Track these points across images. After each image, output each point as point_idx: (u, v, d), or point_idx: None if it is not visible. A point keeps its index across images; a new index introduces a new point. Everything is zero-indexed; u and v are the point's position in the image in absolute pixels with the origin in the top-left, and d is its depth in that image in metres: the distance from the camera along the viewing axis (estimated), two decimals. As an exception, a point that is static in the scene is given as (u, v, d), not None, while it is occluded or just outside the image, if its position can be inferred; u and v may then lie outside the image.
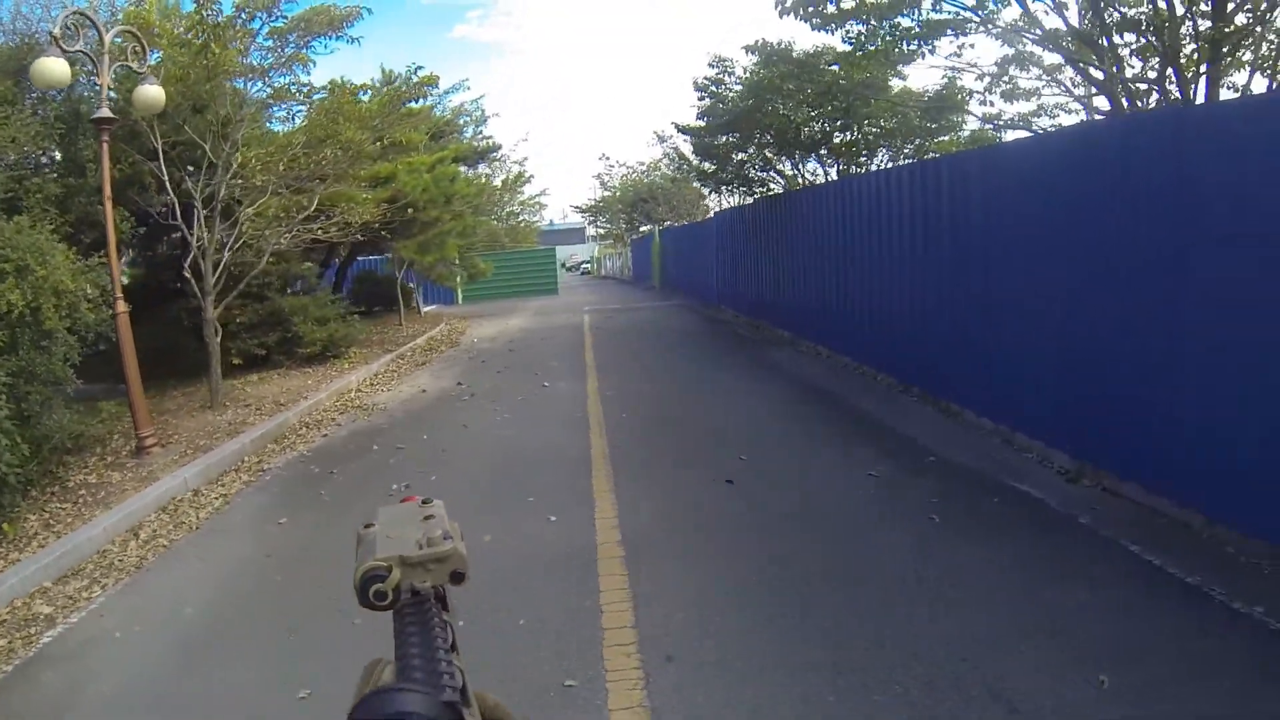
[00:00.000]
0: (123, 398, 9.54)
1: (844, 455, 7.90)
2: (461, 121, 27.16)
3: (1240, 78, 9.93)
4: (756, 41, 14.93)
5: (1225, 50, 8.64)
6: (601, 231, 63.85)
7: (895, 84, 15.37)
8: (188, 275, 11.12)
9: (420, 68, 17.13)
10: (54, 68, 8.02)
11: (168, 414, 11.08)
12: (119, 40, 9.74)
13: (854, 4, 10.66)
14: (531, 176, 44.66)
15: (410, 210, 17.70)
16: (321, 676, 4.21)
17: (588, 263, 79.16)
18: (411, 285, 25.60)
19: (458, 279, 29.37)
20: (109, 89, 9.16)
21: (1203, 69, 8.89)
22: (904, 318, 10.83)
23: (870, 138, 15.99)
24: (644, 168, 46.99)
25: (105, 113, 8.79)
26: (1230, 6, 8.26)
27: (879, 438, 8.50)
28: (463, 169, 24.03)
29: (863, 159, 16.48)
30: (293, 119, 14.21)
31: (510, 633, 4.62)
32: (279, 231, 12.78)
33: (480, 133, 29.55)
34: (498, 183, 33.70)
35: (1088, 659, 3.95)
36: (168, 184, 10.84)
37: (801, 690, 3.89)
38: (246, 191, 11.91)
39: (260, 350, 14.59)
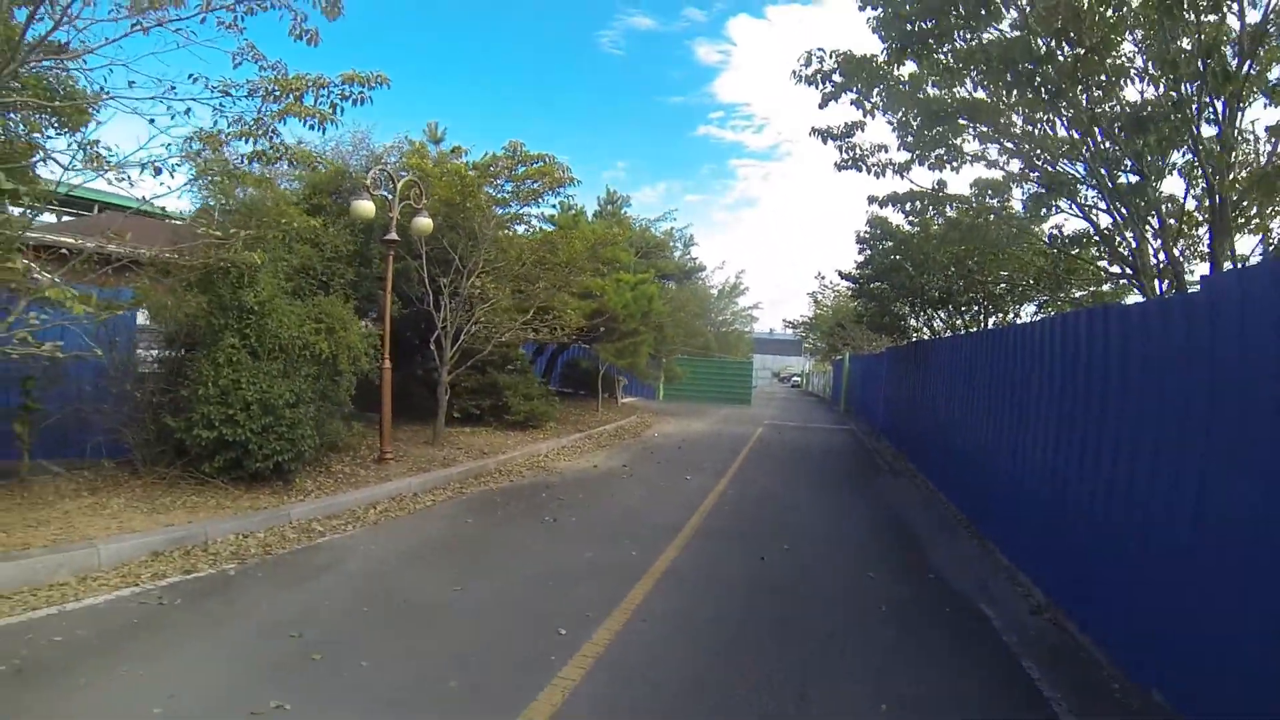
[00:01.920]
0: (369, 422, 13.38)
1: (860, 562, 9.64)
2: (671, 243, 31.01)
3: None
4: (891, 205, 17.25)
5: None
6: (811, 347, 64.68)
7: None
8: (432, 347, 15.23)
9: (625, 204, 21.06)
10: (365, 207, 12.05)
11: (399, 441, 14.84)
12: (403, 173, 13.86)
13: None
14: (746, 288, 47.69)
15: (612, 321, 21.45)
16: (468, 586, 7.60)
17: (798, 376, 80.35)
18: (618, 377, 28.95)
19: (661, 380, 32.80)
20: (394, 217, 13.14)
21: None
22: (970, 461, 12.13)
23: (982, 299, 18.24)
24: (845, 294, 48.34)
25: (393, 236, 12.77)
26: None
27: (906, 554, 10.28)
28: (669, 283, 27.30)
29: (975, 316, 18.84)
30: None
31: (565, 589, 7.92)
32: (504, 327, 16.72)
33: (688, 253, 33.47)
34: (714, 291, 37.48)
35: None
36: (425, 280, 14.97)
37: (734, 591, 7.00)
38: (482, 293, 15.97)
39: (476, 410, 18.54)
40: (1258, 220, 11.08)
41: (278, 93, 8.56)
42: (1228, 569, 4.77)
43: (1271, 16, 9.15)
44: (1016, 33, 10.55)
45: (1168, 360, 5.81)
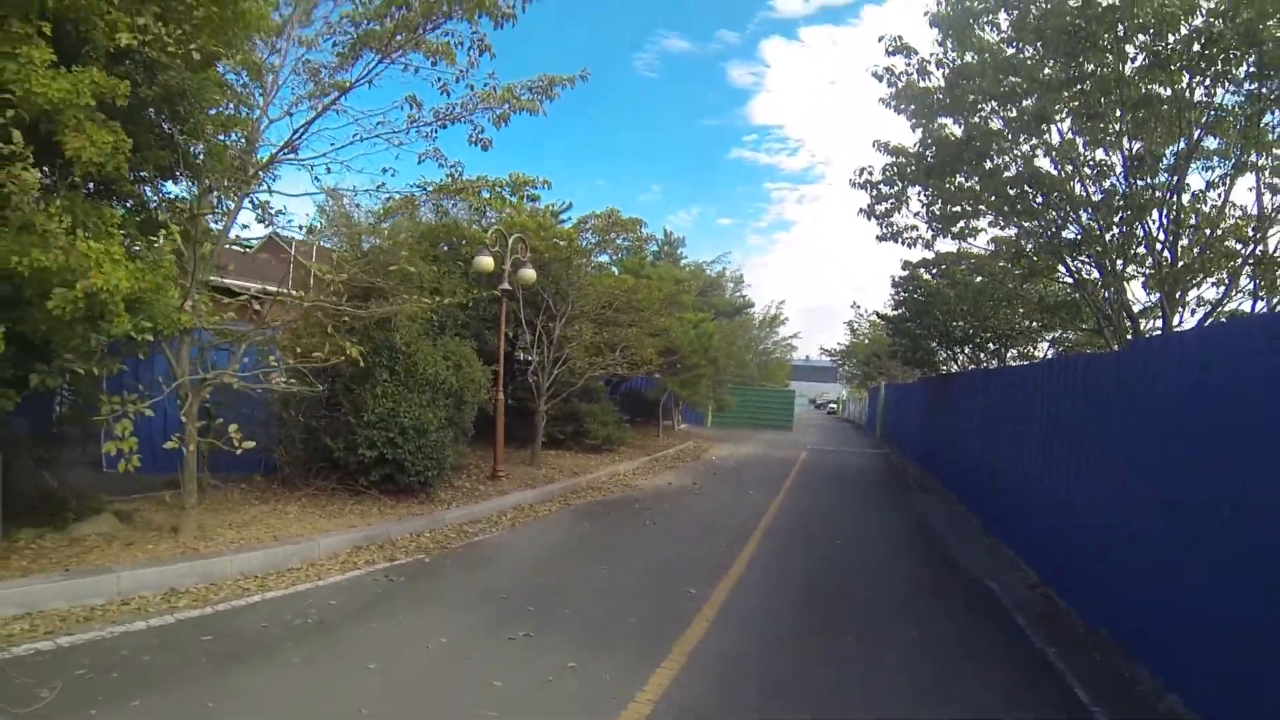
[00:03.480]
0: (476, 444, 15.05)
1: (896, 553, 11.87)
2: (723, 282, 32.87)
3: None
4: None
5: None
6: (848, 375, 65.16)
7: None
8: (530, 379, 16.98)
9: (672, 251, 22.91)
10: (486, 262, 13.83)
11: (503, 463, 16.57)
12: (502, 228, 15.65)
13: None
14: (786, 319, 49.08)
15: (677, 356, 23.22)
16: (609, 568, 9.40)
17: (834, 403, 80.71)
18: (673, 405, 30.67)
19: (709, 407, 34.66)
20: (507, 269, 14.88)
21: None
22: (983, 477, 14.16)
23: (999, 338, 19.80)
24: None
25: (506, 286, 14.55)
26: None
27: (932, 549, 12.35)
28: (722, 319, 29.02)
29: (993, 352, 20.43)
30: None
31: (680, 569, 9.54)
32: (594, 363, 18.55)
33: (738, 291, 35.30)
34: (755, 320, 39.30)
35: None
36: (523, 322, 16.74)
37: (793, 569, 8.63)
38: (579, 332, 17.83)
39: (560, 435, 20.31)
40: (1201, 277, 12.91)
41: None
42: (1146, 551, 6.79)
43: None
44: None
45: (1108, 398, 8.04)
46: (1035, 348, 19.28)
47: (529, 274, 15.00)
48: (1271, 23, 9.49)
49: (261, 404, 11.74)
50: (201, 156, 8.43)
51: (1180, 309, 12.28)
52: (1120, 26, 10.45)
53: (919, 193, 15.40)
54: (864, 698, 5.99)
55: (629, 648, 6.71)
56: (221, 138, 8.83)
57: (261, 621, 6.71)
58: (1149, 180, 11.82)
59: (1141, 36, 10.65)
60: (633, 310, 19.61)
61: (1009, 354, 19.47)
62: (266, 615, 6.89)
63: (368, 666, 5.89)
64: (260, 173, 9.12)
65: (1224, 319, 12.04)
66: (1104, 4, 10.34)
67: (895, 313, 23.07)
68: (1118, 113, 11.42)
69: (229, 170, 8.67)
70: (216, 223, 9.25)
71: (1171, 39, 10.38)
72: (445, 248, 16.76)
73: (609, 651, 6.57)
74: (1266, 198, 11.61)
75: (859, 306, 60.95)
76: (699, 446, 27.71)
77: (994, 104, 12.52)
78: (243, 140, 9.12)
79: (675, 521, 13.28)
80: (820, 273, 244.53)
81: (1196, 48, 10.11)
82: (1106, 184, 12.43)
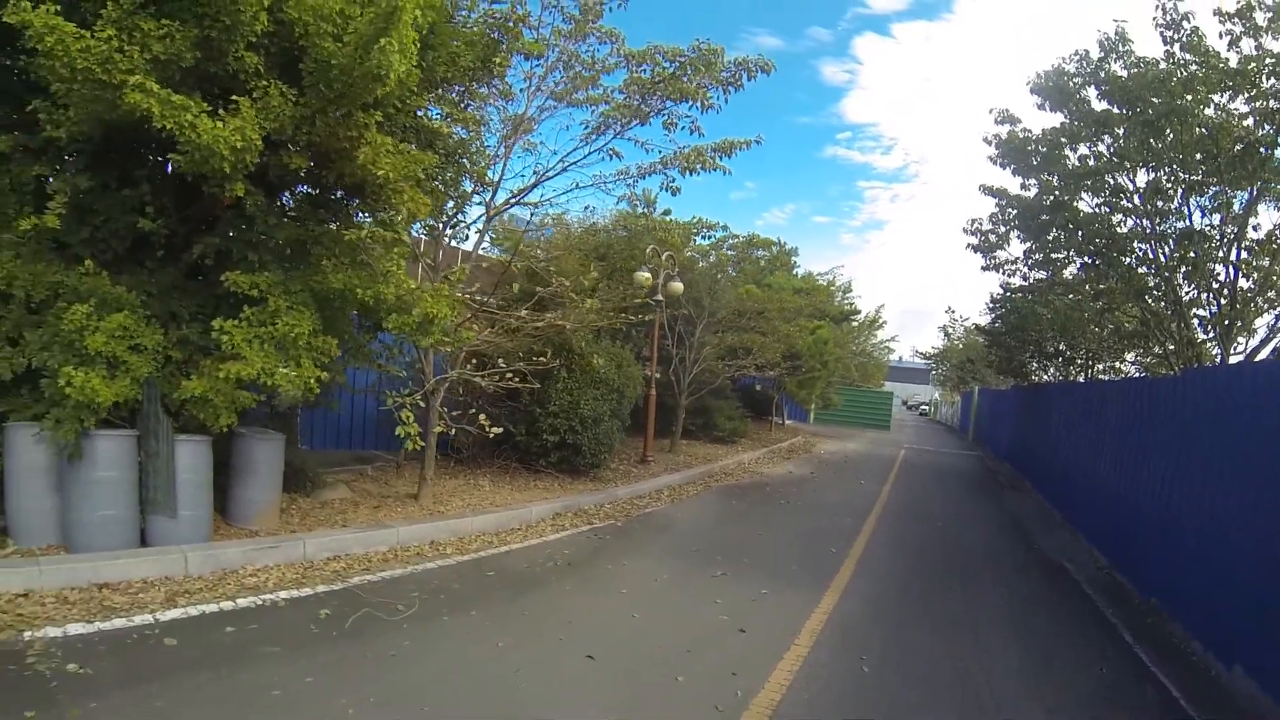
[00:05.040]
0: (627, 434, 16.70)
1: (989, 537, 13.27)
2: (832, 290, 34.10)
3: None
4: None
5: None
6: (941, 378, 64.87)
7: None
8: (673, 379, 18.60)
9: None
10: (645, 277, 15.41)
11: (651, 450, 18.22)
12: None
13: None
14: (885, 322, 49.76)
15: (796, 359, 24.71)
16: (764, 534, 10.94)
17: (927, 405, 79.97)
18: (781, 402, 32.09)
19: (814, 405, 35.97)
20: (660, 283, 16.48)
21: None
22: (1065, 476, 15.37)
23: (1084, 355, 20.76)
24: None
25: (659, 297, 16.11)
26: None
27: (1018, 535, 13.64)
28: (831, 323, 30.26)
29: (1081, 366, 21.36)
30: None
31: (820, 535, 11.02)
32: (723, 365, 20.12)
33: (845, 298, 36.50)
34: (855, 324, 40.42)
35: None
36: (668, 327, 18.37)
37: (921, 549, 10.08)
38: (720, 335, 19.46)
39: (691, 427, 21.79)
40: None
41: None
42: (1201, 542, 7.83)
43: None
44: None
45: (1171, 413, 9.22)
46: (1121, 362, 20.12)
47: (677, 286, 16.53)
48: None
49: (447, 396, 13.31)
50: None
51: (1239, 339, 13.34)
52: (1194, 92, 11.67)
53: (1018, 236, 16.87)
54: (974, 625, 7.80)
55: (800, 582, 8.82)
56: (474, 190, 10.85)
57: (522, 564, 8.44)
58: (1218, 224, 12.84)
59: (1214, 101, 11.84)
60: (759, 318, 21.09)
61: (1097, 368, 20.37)
62: (522, 560, 8.61)
63: (620, 591, 7.77)
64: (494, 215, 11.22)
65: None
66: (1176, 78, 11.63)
67: (992, 326, 24.11)
68: (1191, 157, 12.39)
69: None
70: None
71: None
72: (602, 262, 18.47)
73: (787, 584, 8.68)
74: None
75: (953, 311, 61.18)
76: (807, 441, 28.94)
77: (1084, 148, 13.79)
78: (489, 192, 11.06)
79: (805, 502, 14.85)
80: (914, 273, 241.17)
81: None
82: (1179, 225, 13.38)
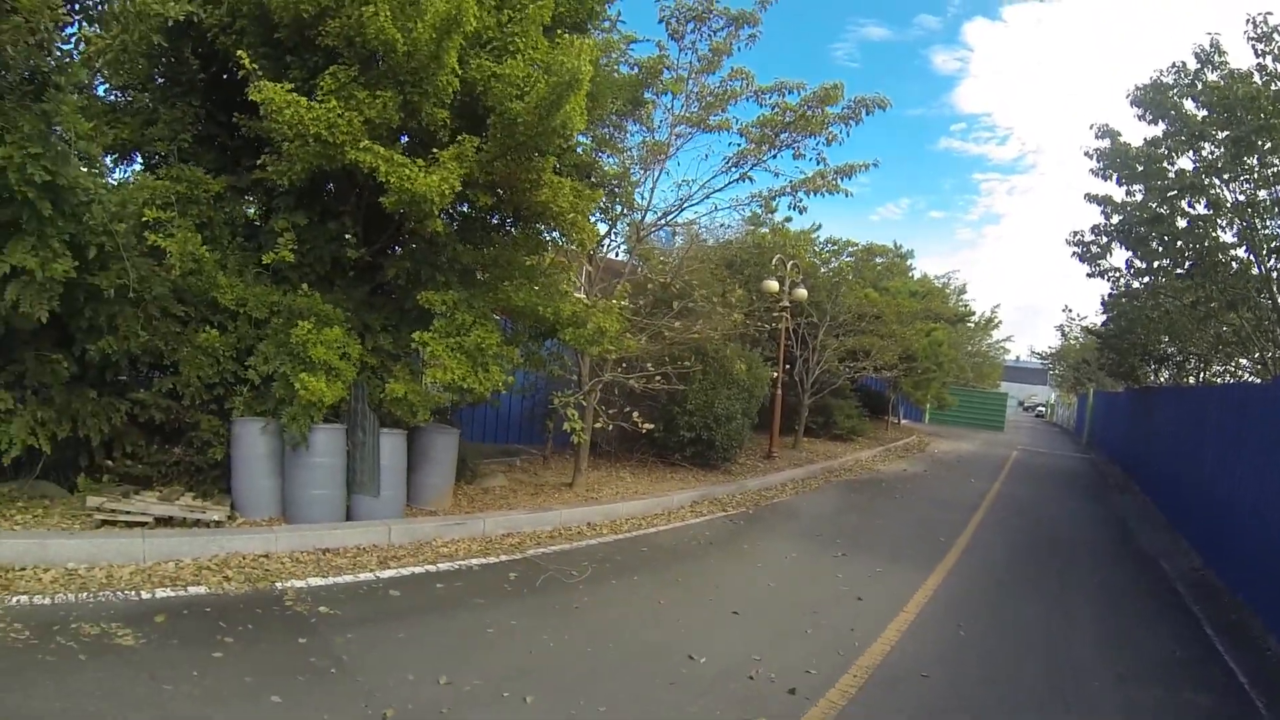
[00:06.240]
0: (754, 431, 17.43)
1: (1092, 534, 13.57)
2: (947, 291, 34.09)
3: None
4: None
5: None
6: (1058, 378, 62.67)
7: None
8: (796, 380, 19.29)
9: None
10: (773, 286, 16.13)
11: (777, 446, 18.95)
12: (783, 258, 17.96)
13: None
14: (1000, 322, 48.83)
15: (911, 360, 25.05)
16: (881, 521, 11.60)
17: (1044, 406, 77.18)
18: (897, 402, 32.29)
19: (929, 405, 35.95)
20: (785, 290, 17.18)
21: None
22: (1169, 480, 15.38)
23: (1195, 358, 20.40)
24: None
25: (785, 302, 16.79)
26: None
27: (1121, 534, 13.83)
28: (945, 324, 30.35)
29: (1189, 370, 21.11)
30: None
31: (930, 525, 11.60)
32: (843, 367, 20.74)
33: (960, 299, 36.36)
34: (970, 325, 40.13)
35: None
36: (793, 332, 19.06)
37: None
38: (840, 339, 20.11)
39: (812, 425, 22.28)
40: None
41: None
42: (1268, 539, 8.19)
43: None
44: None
45: (1263, 418, 9.27)
46: (1235, 367, 19.89)
47: (801, 293, 17.19)
48: None
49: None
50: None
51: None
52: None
53: (1120, 244, 16.89)
54: (1064, 605, 8.51)
55: (911, 564, 9.50)
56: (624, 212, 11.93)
57: (670, 542, 9.39)
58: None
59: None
60: (877, 321, 21.50)
61: (1208, 372, 20.11)
62: (670, 539, 9.56)
63: (756, 565, 8.73)
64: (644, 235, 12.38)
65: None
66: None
67: (1104, 328, 23.93)
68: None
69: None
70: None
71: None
72: (730, 270, 19.25)
73: (900, 564, 9.46)
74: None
75: (1069, 310, 59.31)
76: (922, 441, 28.96)
77: (1184, 160, 13.93)
78: (637, 214, 12.14)
79: (918, 496, 15.34)
80: (1031, 268, 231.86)
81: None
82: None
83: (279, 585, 6.23)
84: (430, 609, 6.21)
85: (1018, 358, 75.13)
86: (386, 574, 6.91)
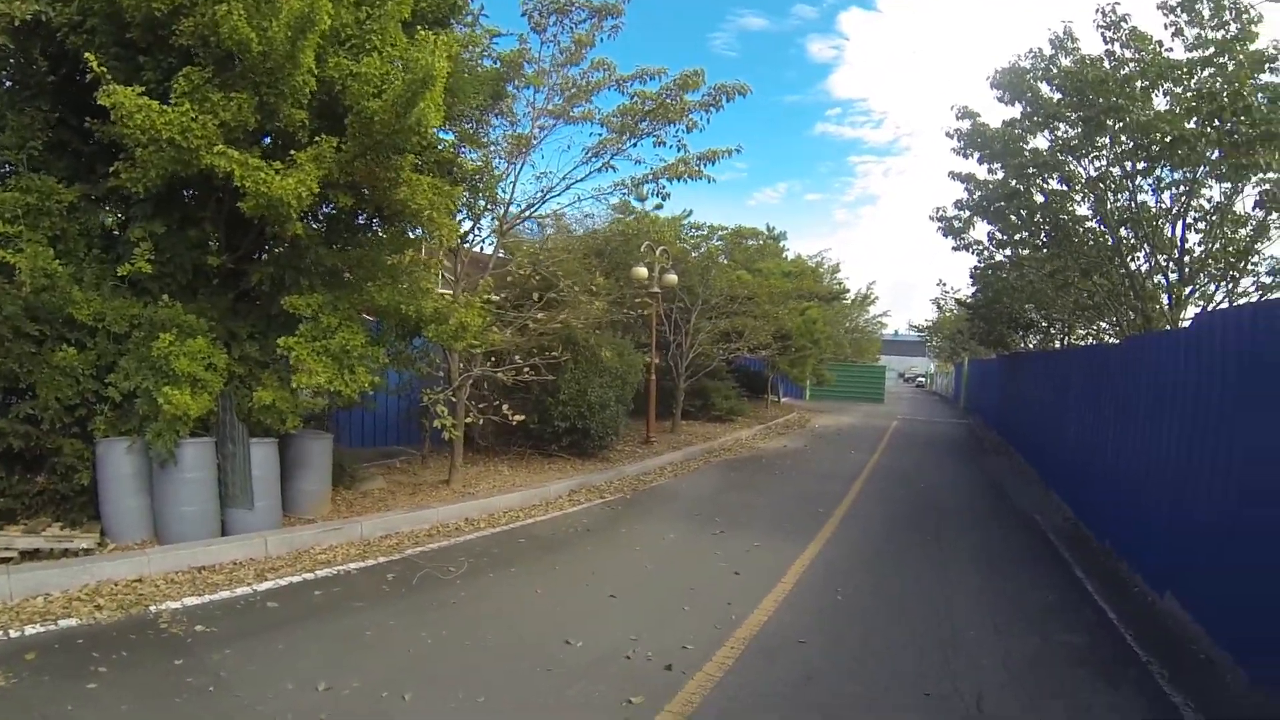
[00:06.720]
0: (631, 418, 17.91)
1: (969, 494, 14.63)
2: (821, 270, 35.36)
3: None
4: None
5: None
6: (936, 349, 65.10)
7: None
8: (670, 364, 19.84)
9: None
10: (642, 272, 16.58)
11: (654, 430, 19.42)
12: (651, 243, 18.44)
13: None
14: (876, 298, 51.04)
15: (787, 340, 25.94)
16: (761, 498, 12.15)
17: (923, 377, 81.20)
18: (776, 381, 33.32)
19: (809, 382, 37.29)
20: (655, 276, 17.66)
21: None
22: (1040, 439, 16.40)
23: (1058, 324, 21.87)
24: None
25: (655, 289, 17.27)
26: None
27: (997, 493, 14.95)
28: (820, 303, 31.46)
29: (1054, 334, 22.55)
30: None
31: (809, 498, 12.24)
32: (717, 349, 21.41)
33: (834, 278, 37.75)
34: (848, 301, 41.77)
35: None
36: (664, 316, 19.58)
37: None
38: (713, 321, 20.73)
39: (690, 408, 22.95)
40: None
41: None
42: (1137, 489, 8.90)
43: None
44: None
45: (1109, 376, 10.49)
46: (1097, 330, 21.28)
47: (671, 278, 17.68)
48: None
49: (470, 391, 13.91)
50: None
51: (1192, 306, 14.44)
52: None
53: (983, 219, 18.09)
54: (942, 564, 9.16)
55: (788, 537, 10.09)
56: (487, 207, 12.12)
57: (548, 531, 9.77)
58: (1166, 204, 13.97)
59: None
60: (750, 302, 22.25)
61: (1074, 334, 21.48)
62: (547, 529, 9.93)
63: (634, 549, 9.19)
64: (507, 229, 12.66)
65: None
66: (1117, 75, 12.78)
67: (972, 300, 25.30)
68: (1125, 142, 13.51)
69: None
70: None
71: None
72: (600, 259, 19.58)
73: (776, 538, 9.99)
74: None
75: (944, 284, 62.15)
76: (802, 417, 30.29)
77: (1040, 139, 14.98)
78: (500, 209, 12.35)
79: (798, 471, 16.17)
80: (908, 246, 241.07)
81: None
82: (1129, 205, 14.40)
83: (153, 609, 6.33)
84: (309, 617, 6.41)
85: (896, 332, 78.25)
86: (264, 586, 7.07)
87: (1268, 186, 12.01)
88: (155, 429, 7.57)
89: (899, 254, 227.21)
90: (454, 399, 11.60)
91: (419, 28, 8.41)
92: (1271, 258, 13.58)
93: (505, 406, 12.10)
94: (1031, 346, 24.34)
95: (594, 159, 12.56)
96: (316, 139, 7.73)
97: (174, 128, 7.04)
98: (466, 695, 5.08)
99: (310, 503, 9.34)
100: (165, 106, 7.11)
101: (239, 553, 7.84)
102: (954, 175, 17.57)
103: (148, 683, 5.04)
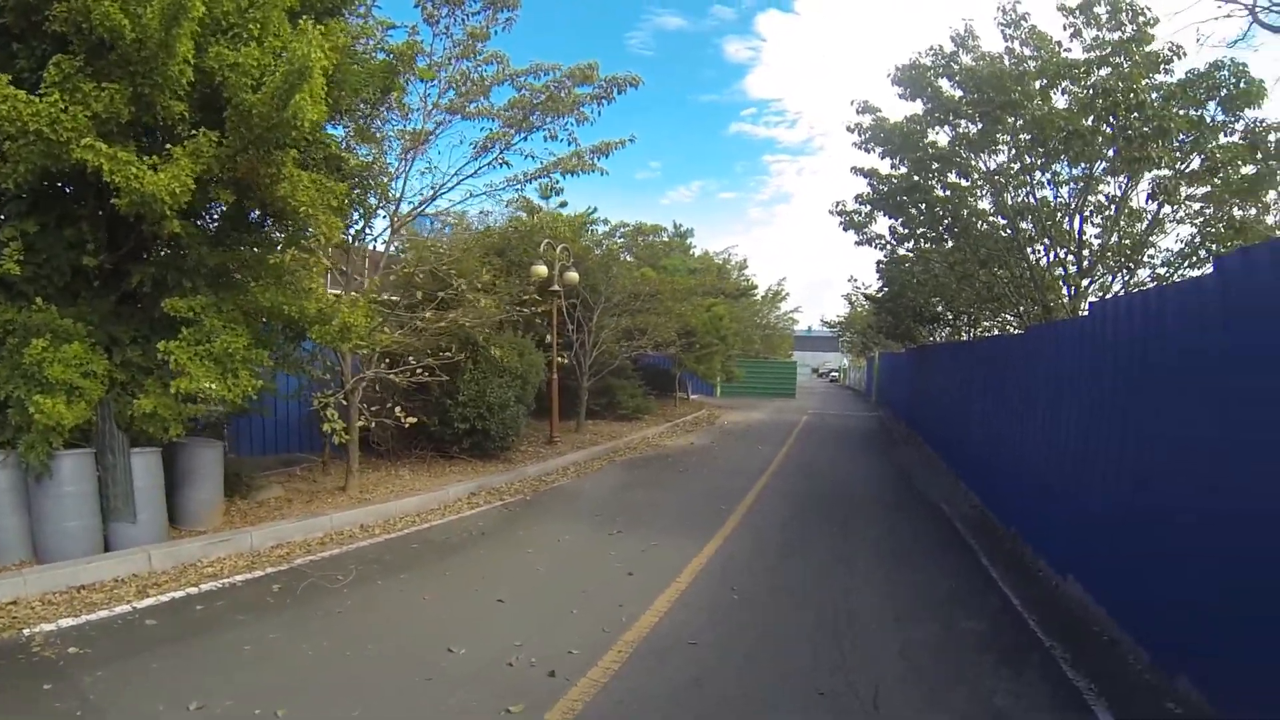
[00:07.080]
0: (532, 418, 17.90)
1: (876, 486, 15.19)
2: (728, 267, 35.85)
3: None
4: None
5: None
6: (849, 344, 66.90)
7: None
8: (573, 363, 19.91)
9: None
10: (541, 270, 16.60)
11: (558, 430, 19.46)
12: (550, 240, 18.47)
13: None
14: (787, 294, 51.97)
15: (693, 337, 26.23)
16: (664, 496, 12.34)
17: (836, 372, 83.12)
18: (685, 379, 33.66)
19: (718, 379, 37.75)
20: (556, 274, 17.68)
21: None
22: (947, 429, 17.09)
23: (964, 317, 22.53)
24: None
25: (556, 288, 17.31)
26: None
27: (905, 484, 15.46)
28: (728, 299, 31.94)
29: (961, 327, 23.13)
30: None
31: (713, 495, 12.44)
32: (621, 346, 21.53)
33: (741, 274, 38.29)
34: (758, 297, 42.40)
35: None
36: (566, 314, 19.63)
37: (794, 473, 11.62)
38: (616, 319, 20.85)
39: (595, 407, 23.10)
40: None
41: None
42: (1030, 476, 9.51)
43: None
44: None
45: (1009, 365, 11.05)
46: (1002, 322, 21.97)
47: (573, 276, 17.75)
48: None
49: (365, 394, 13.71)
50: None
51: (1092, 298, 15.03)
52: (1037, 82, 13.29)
53: (884, 213, 18.44)
54: (846, 556, 9.42)
55: (688, 534, 10.21)
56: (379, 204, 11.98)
57: (443, 536, 9.77)
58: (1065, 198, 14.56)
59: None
60: (654, 299, 22.47)
61: (980, 327, 22.15)
62: (443, 533, 9.95)
63: (527, 551, 9.22)
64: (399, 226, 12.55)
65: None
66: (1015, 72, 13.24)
67: (879, 294, 25.90)
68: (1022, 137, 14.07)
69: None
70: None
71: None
72: (501, 256, 19.53)
73: (676, 536, 10.10)
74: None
75: (855, 280, 63.52)
76: (712, 414, 30.64)
77: (940, 135, 15.46)
78: (392, 206, 12.21)
79: (703, 468, 16.45)
80: (821, 243, 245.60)
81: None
82: (1028, 199, 15.00)
83: (26, 632, 6.15)
84: (188, 634, 6.29)
85: (810, 328, 79.84)
86: (145, 603, 6.93)
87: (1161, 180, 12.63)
88: (28, 440, 7.34)
89: (813, 252, 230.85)
90: (345, 402, 11.47)
91: (305, 17, 8.25)
92: (1166, 250, 14.27)
93: (399, 409, 12.03)
94: (940, 339, 24.99)
95: (484, 154, 12.57)
96: (195, 133, 7.57)
97: (42, 119, 6.81)
98: (342, 709, 5.05)
99: (202, 513, 9.17)
100: (33, 97, 6.88)
101: (121, 569, 7.65)
102: (856, 170, 17.96)
103: (12, 708, 4.93)
